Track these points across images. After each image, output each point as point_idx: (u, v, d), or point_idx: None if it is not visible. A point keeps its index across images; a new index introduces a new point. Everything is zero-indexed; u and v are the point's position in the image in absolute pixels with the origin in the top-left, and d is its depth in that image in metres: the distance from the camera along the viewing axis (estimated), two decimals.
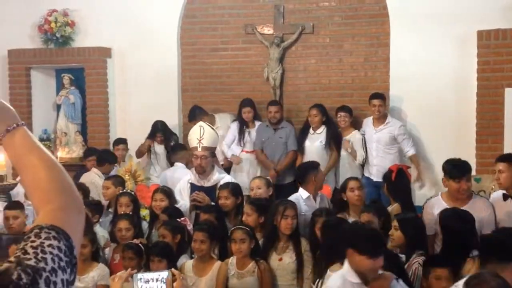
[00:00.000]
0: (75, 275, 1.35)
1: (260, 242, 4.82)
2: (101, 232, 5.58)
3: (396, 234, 4.39)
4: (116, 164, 7.00)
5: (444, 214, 4.35)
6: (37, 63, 8.31)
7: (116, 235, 5.32)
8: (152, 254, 4.63)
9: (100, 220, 5.76)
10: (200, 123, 5.88)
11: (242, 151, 7.24)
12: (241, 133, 7.24)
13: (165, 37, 7.89)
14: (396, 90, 7.09)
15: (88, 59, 8.08)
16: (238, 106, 7.39)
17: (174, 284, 2.51)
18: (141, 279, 2.57)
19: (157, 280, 2.57)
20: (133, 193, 5.89)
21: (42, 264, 1.26)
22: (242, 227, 4.70)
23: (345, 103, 7.07)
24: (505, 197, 4.78)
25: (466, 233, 4.07)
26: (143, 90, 7.88)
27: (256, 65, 7.71)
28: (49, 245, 1.31)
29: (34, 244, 1.30)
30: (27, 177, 1.47)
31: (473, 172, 5.87)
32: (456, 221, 4.20)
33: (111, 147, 7.67)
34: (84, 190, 5.95)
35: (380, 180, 5.83)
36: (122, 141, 7.47)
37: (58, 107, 8.40)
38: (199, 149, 5.63)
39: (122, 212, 5.53)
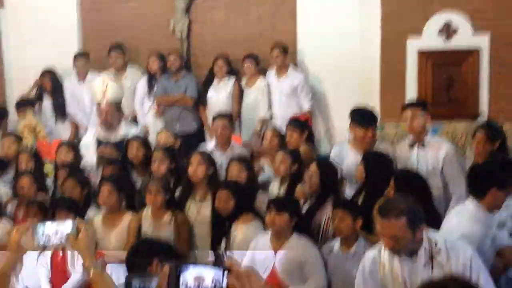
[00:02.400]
0: None
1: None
2: (3, 189, 5.35)
3: (314, 180, 4.43)
4: None
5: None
6: None
7: (19, 192, 5.11)
8: (58, 208, 4.49)
9: (3, 178, 5.51)
10: (103, 75, 5.69)
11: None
12: (150, 86, 7.04)
13: None
14: (303, 44, 7.12)
15: None
16: (144, 59, 7.18)
17: (79, 235, 2.37)
18: (42, 230, 2.41)
19: (59, 232, 2.41)
20: (33, 149, 5.63)
21: None
22: (157, 178, 4.64)
23: None
24: (411, 145, 4.90)
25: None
26: (42, 43, 7.45)
27: (161, 17, 7.48)
28: None
29: None
30: None
31: None
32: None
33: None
34: None
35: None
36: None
37: None
38: (104, 104, 5.44)
39: (24, 169, 5.30)
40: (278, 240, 4.02)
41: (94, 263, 2.35)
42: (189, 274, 1.41)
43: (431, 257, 2.94)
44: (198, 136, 6.76)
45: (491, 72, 6.47)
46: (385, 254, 3.06)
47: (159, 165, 4.89)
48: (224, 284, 1.40)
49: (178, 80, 6.93)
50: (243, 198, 4.34)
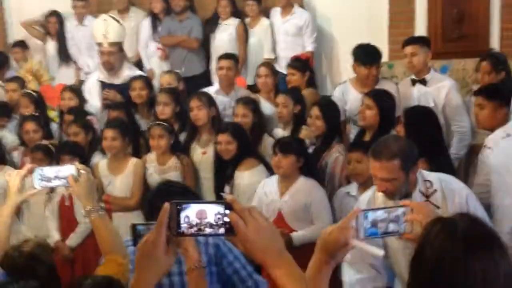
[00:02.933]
0: None
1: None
2: (10, 137, 5.34)
3: (318, 123, 4.34)
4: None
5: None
6: None
7: (24, 137, 5.10)
8: (62, 153, 4.48)
9: (7, 125, 5.48)
10: (104, 16, 5.54)
11: (157, 48, 6.91)
12: (154, 28, 6.89)
13: None
14: None
15: None
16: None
17: (80, 178, 2.33)
18: (41, 174, 2.36)
19: (59, 176, 2.37)
20: (36, 94, 5.57)
21: None
22: (160, 123, 4.56)
23: None
24: (413, 82, 4.82)
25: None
26: None
27: None
28: None
29: None
30: None
31: (386, 58, 5.95)
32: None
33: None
34: None
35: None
36: (19, 44, 6.96)
37: None
38: (105, 45, 5.34)
39: (28, 114, 5.26)
40: (285, 183, 3.99)
41: (95, 208, 2.33)
42: (191, 210, 1.38)
43: (427, 198, 2.86)
44: (205, 79, 6.65)
45: (502, 7, 6.27)
46: (379, 196, 2.96)
47: (163, 108, 4.81)
48: (226, 219, 1.37)
49: (182, 21, 6.75)
50: (245, 142, 4.28)
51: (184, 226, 1.39)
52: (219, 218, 1.38)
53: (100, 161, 4.66)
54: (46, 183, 2.38)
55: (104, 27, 5.35)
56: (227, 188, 4.26)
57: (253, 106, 4.67)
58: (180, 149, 4.57)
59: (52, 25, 7.00)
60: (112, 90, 5.33)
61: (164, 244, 1.42)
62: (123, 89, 5.30)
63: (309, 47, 6.61)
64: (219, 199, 4.11)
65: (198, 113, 4.59)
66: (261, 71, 5.35)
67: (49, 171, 2.38)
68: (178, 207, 1.38)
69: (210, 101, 4.67)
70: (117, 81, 5.43)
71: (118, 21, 5.56)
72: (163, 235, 1.41)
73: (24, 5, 7.39)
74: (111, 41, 5.33)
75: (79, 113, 5.15)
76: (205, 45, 6.78)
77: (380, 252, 1.76)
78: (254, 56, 6.65)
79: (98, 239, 2.34)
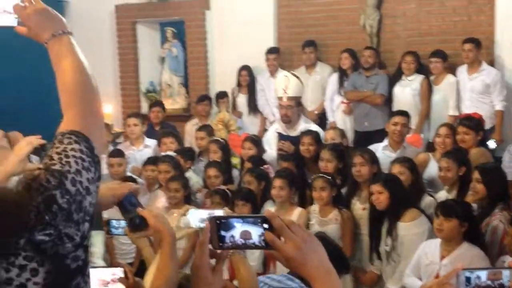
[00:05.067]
0: (99, 172, 1.49)
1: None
2: (195, 178, 5.84)
3: (478, 187, 4.17)
4: None
5: None
6: (142, 17, 8.63)
7: (207, 181, 5.55)
8: (236, 199, 4.79)
9: (193, 167, 6.02)
10: (285, 73, 5.90)
11: (342, 102, 7.14)
12: (341, 83, 7.14)
13: None
14: (502, 36, 6.63)
15: (188, 11, 8.27)
16: (335, 54, 7.28)
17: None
18: (194, 214, 2.65)
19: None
20: (223, 141, 6.07)
21: (66, 167, 1.40)
22: (323, 175, 4.71)
23: (446, 50, 6.72)
24: None
25: None
26: (240, 41, 7.96)
27: (352, 12, 7.51)
28: (71, 149, 1.44)
29: (58, 150, 1.44)
30: (58, 79, 1.58)
31: None
32: None
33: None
34: (177, 137, 6.28)
35: None
36: (205, 98, 7.64)
37: (163, 60, 8.71)
38: (284, 99, 5.68)
39: (212, 160, 5.75)
40: (447, 247, 3.87)
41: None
42: (236, 231, 1.41)
43: None
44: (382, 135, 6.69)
45: None
46: None
47: (326, 164, 4.97)
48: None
49: (369, 76, 6.89)
50: (399, 193, 4.23)
51: (228, 244, 1.43)
52: (263, 239, 1.40)
53: (267, 208, 4.92)
54: (200, 224, 2.66)
55: (284, 83, 5.71)
56: (388, 240, 4.26)
57: (410, 164, 4.62)
58: (342, 203, 4.67)
59: (243, 78, 7.61)
60: (287, 142, 5.62)
61: (209, 264, 1.52)
62: (297, 141, 5.57)
63: (498, 106, 6.32)
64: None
65: (361, 169, 4.66)
66: (442, 130, 5.24)
67: (201, 213, 2.67)
68: (218, 221, 1.42)
69: (373, 159, 4.72)
70: (293, 133, 5.73)
71: (297, 77, 5.90)
72: (206, 254, 1.51)
73: (224, 58, 8.14)
74: (290, 96, 5.67)
75: (256, 162, 5.48)
76: (388, 100, 6.84)
77: None
78: (437, 113, 6.54)
79: (238, 278, 2.49)
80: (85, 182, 1.42)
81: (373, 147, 5.21)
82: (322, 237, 3.27)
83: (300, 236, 1.39)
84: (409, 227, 4.19)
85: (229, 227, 1.42)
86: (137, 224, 1.85)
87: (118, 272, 2.53)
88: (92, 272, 1.57)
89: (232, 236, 1.42)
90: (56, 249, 1.33)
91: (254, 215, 1.45)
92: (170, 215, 4.67)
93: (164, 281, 1.78)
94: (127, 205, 1.88)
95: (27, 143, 2.32)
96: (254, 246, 1.41)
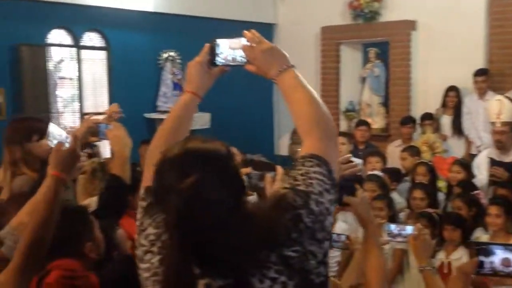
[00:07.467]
0: (337, 194, 1.59)
1: None
2: (398, 198, 5.81)
3: None
4: None
5: None
6: (346, 38, 8.86)
7: (411, 203, 5.51)
8: (446, 223, 4.72)
9: (397, 188, 6.02)
10: (499, 97, 5.70)
11: None
12: None
13: (472, 7, 7.69)
14: None
15: (393, 32, 8.32)
16: None
17: (420, 237, 2.64)
18: (389, 230, 2.74)
19: (400, 234, 2.71)
20: (430, 163, 5.99)
21: (310, 188, 1.51)
22: None
23: None
24: None
25: None
26: (446, 62, 7.81)
27: None
28: (314, 172, 1.55)
29: (301, 172, 1.56)
30: (292, 109, 1.73)
31: None
32: None
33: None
34: (383, 157, 6.35)
35: None
36: (410, 120, 7.55)
37: (363, 80, 8.84)
38: (498, 124, 5.49)
39: (418, 182, 5.70)
40: None
41: (428, 265, 2.59)
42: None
43: None
44: None
45: None
46: None
47: None
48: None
49: None
50: None
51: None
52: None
53: (481, 236, 4.75)
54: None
55: (498, 107, 5.52)
56: None
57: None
58: None
59: (450, 99, 7.44)
60: (501, 168, 5.41)
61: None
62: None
63: None
64: None
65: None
66: None
67: (397, 228, 2.76)
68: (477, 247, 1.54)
69: None
70: (507, 159, 5.50)
71: None
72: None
73: (427, 79, 8.04)
74: (503, 121, 5.46)
75: (466, 187, 5.34)
76: None
77: None
78: None
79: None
80: (326, 203, 1.51)
81: None
82: None
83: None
84: None
85: (488, 253, 1.48)
86: None
87: None
88: None
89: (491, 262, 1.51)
90: (302, 265, 1.43)
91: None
92: None
93: None
94: None
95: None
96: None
